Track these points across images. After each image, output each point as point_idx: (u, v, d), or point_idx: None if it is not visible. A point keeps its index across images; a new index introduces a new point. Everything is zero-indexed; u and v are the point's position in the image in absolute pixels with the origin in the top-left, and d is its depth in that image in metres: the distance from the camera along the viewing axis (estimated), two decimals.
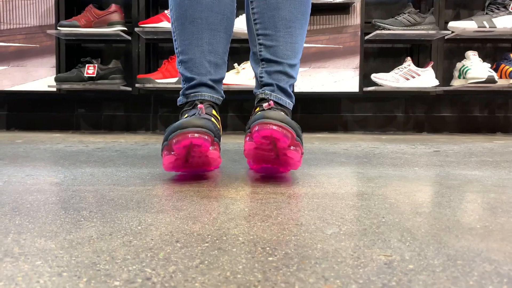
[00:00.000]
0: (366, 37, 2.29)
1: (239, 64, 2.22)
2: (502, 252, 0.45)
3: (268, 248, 0.45)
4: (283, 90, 0.94)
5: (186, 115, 0.92)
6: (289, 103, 0.96)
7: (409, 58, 2.28)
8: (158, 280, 0.37)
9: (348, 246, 0.46)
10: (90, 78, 2.19)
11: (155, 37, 2.33)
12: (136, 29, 2.18)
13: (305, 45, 2.47)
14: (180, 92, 0.98)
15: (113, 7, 2.18)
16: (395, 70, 2.27)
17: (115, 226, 0.53)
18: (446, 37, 2.29)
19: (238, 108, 2.50)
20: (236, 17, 2.33)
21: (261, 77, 0.96)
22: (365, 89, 2.30)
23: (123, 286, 0.36)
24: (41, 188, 0.78)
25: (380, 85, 2.23)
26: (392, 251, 0.45)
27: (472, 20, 2.18)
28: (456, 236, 0.50)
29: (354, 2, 2.26)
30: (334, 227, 0.54)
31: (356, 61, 2.31)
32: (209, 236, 0.49)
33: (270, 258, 0.42)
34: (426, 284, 0.36)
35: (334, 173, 0.97)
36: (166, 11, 2.18)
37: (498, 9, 2.19)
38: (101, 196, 0.71)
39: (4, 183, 0.82)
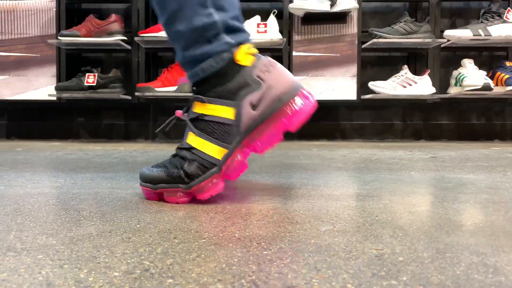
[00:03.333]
0: (363, 46, 2.32)
1: None
2: (490, 246, 0.46)
3: (263, 243, 0.47)
4: (181, 67, 0.75)
5: None
6: (193, 76, 0.72)
7: (405, 66, 2.30)
8: (156, 271, 0.38)
9: (341, 241, 0.48)
10: (90, 87, 2.21)
11: (154, 46, 2.36)
12: (136, 38, 2.20)
13: (303, 53, 2.51)
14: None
15: (113, 17, 2.21)
16: (392, 78, 2.29)
17: (115, 225, 0.55)
18: (442, 46, 2.32)
19: None
20: None
21: None
22: (362, 97, 2.32)
23: (122, 276, 0.37)
24: (41, 191, 0.79)
25: (377, 93, 2.25)
26: (383, 245, 0.46)
27: (467, 28, 2.20)
28: (447, 232, 0.52)
29: (351, 12, 2.29)
30: (328, 224, 0.55)
31: (353, 69, 2.33)
32: (206, 233, 0.51)
33: (265, 252, 0.44)
34: (414, 273, 0.38)
35: (331, 177, 0.98)
36: None
37: (493, 18, 2.22)
38: (101, 198, 0.72)
39: (5, 187, 0.83)
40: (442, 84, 2.38)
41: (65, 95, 2.22)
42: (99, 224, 0.55)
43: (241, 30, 0.72)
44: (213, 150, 0.68)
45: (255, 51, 0.71)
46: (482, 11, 2.25)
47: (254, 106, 0.67)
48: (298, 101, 0.69)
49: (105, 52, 2.49)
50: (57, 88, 2.22)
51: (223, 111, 0.68)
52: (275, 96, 0.68)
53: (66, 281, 0.36)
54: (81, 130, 2.52)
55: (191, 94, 0.74)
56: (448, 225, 0.55)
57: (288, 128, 0.69)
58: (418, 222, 0.57)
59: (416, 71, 2.41)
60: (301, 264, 0.40)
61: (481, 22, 2.22)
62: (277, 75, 0.69)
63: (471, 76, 2.21)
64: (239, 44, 0.70)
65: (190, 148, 0.69)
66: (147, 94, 2.19)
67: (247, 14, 2.32)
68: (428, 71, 2.29)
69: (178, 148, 0.72)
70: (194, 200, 0.71)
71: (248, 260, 0.41)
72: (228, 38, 0.70)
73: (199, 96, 0.70)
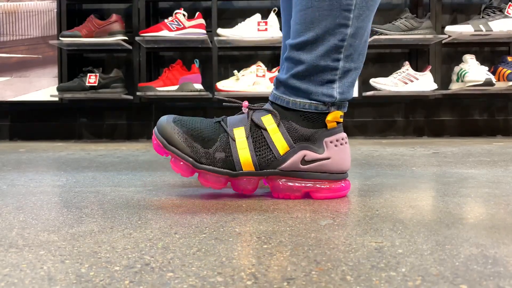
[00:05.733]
0: None
1: (238, 71, 2.25)
2: (490, 238, 0.46)
3: (263, 238, 0.47)
4: (279, 83, 0.72)
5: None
6: (281, 98, 0.71)
7: (407, 62, 2.30)
8: (156, 266, 0.38)
9: (340, 235, 0.48)
10: (92, 87, 2.22)
11: (155, 46, 2.36)
12: (136, 38, 2.21)
13: None
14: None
15: (114, 17, 2.22)
16: (394, 75, 2.29)
17: (116, 221, 0.55)
18: (443, 41, 2.31)
19: None
20: (235, 25, 2.36)
21: None
22: (364, 94, 2.32)
23: (123, 270, 0.37)
24: (44, 190, 0.80)
25: (379, 90, 2.25)
26: (383, 239, 0.46)
27: (468, 24, 2.20)
28: (447, 225, 0.52)
29: None
30: (328, 219, 0.55)
31: None
32: (207, 228, 0.51)
33: (265, 246, 0.44)
34: (413, 265, 0.38)
35: None
36: (166, 20, 2.21)
37: (494, 13, 2.21)
38: (103, 196, 0.73)
39: (8, 186, 0.84)
40: (443, 80, 2.37)
41: (67, 95, 2.23)
42: (100, 221, 0.55)
43: (352, 86, 0.71)
44: (245, 159, 0.68)
45: (341, 120, 0.71)
46: (483, 6, 2.25)
47: (304, 161, 0.69)
48: (337, 185, 0.70)
49: (106, 52, 2.50)
50: (59, 89, 2.23)
51: (280, 144, 0.68)
52: (326, 169, 0.69)
53: (67, 276, 0.36)
54: (83, 131, 2.53)
55: (268, 99, 0.73)
56: (448, 218, 0.55)
57: (311, 196, 0.70)
58: (419, 216, 0.57)
59: (417, 68, 2.41)
60: (300, 257, 0.40)
61: (482, 17, 2.22)
62: (342, 154, 0.70)
63: (472, 72, 2.21)
64: (339, 107, 0.70)
65: (232, 139, 0.68)
66: (148, 93, 2.20)
67: (248, 12, 2.33)
68: (430, 67, 2.28)
69: (220, 123, 0.70)
70: (195, 196, 0.71)
71: (248, 253, 0.41)
72: (336, 91, 0.69)
73: (278, 115, 0.69)
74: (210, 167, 0.68)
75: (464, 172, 0.99)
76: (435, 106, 2.51)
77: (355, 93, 2.32)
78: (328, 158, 0.69)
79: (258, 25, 2.19)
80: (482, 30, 2.17)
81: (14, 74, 2.34)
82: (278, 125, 0.69)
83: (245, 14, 2.33)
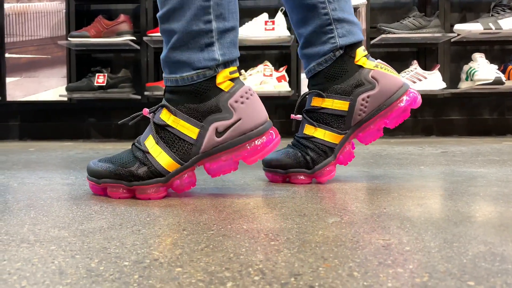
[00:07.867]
0: (372, 42, 2.31)
1: (246, 71, 2.25)
2: (498, 236, 0.46)
3: (270, 235, 0.47)
4: (163, 63, 0.72)
5: None
6: (170, 79, 0.70)
7: (415, 61, 2.29)
8: (165, 261, 0.39)
9: (348, 232, 0.48)
10: (100, 87, 2.23)
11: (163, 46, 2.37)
12: (144, 38, 2.22)
13: None
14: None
15: (122, 17, 2.23)
16: (402, 74, 2.27)
17: (125, 218, 0.55)
18: (452, 40, 2.30)
19: None
20: (242, 24, 2.36)
21: None
22: None
23: (132, 265, 0.38)
24: (53, 187, 0.81)
25: None
26: (390, 236, 0.46)
27: (477, 22, 2.18)
28: (455, 223, 0.52)
29: (359, 7, 2.29)
30: (335, 217, 0.55)
31: None
32: (215, 225, 0.51)
33: (272, 243, 0.44)
34: (420, 262, 0.38)
35: (340, 172, 0.99)
36: None
37: (504, 11, 2.19)
38: None
39: (19, 184, 0.85)
40: (452, 79, 2.36)
41: (76, 95, 2.25)
42: (109, 218, 0.56)
43: (233, 46, 0.70)
44: (166, 162, 0.68)
45: (237, 75, 0.70)
46: (493, 4, 2.23)
47: (219, 133, 0.67)
48: (259, 141, 0.69)
49: (115, 52, 2.51)
50: (67, 89, 2.25)
51: (189, 129, 0.67)
52: (242, 130, 0.68)
53: (78, 270, 0.37)
54: (92, 130, 2.55)
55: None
56: (456, 216, 0.55)
57: (245, 161, 0.69)
58: (426, 214, 0.57)
59: (426, 66, 2.39)
60: (308, 254, 0.40)
61: (492, 15, 2.20)
62: (251, 109, 0.68)
63: (482, 70, 2.19)
64: (225, 64, 0.68)
65: (146, 152, 0.68)
66: (156, 93, 2.21)
67: (255, 12, 2.33)
68: (438, 66, 2.27)
69: (134, 145, 0.71)
70: (203, 194, 0.72)
71: (256, 250, 0.42)
72: (218, 53, 0.68)
73: (169, 106, 0.68)
74: (140, 181, 0.68)
75: (473, 171, 0.99)
76: (444, 105, 2.49)
77: None
78: (239, 120, 0.67)
79: (265, 24, 2.19)
80: (491, 29, 2.16)
81: (24, 74, 2.36)
82: (176, 114, 0.68)
83: (252, 13, 2.33)
